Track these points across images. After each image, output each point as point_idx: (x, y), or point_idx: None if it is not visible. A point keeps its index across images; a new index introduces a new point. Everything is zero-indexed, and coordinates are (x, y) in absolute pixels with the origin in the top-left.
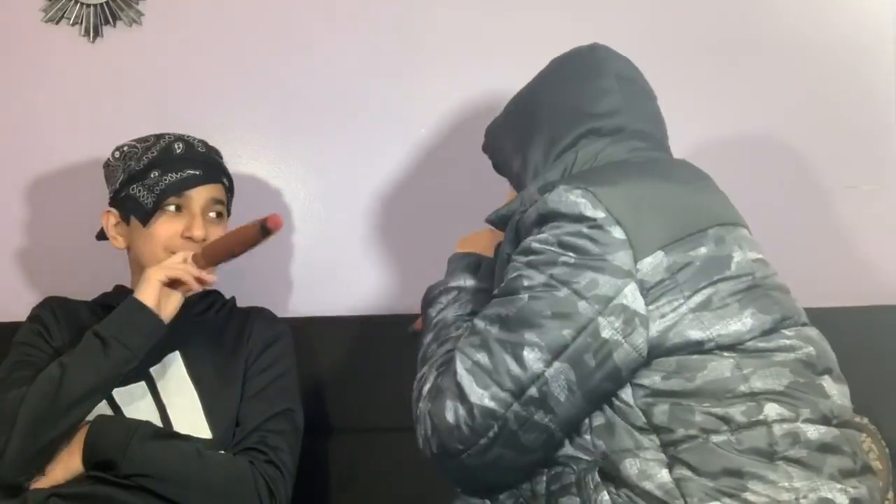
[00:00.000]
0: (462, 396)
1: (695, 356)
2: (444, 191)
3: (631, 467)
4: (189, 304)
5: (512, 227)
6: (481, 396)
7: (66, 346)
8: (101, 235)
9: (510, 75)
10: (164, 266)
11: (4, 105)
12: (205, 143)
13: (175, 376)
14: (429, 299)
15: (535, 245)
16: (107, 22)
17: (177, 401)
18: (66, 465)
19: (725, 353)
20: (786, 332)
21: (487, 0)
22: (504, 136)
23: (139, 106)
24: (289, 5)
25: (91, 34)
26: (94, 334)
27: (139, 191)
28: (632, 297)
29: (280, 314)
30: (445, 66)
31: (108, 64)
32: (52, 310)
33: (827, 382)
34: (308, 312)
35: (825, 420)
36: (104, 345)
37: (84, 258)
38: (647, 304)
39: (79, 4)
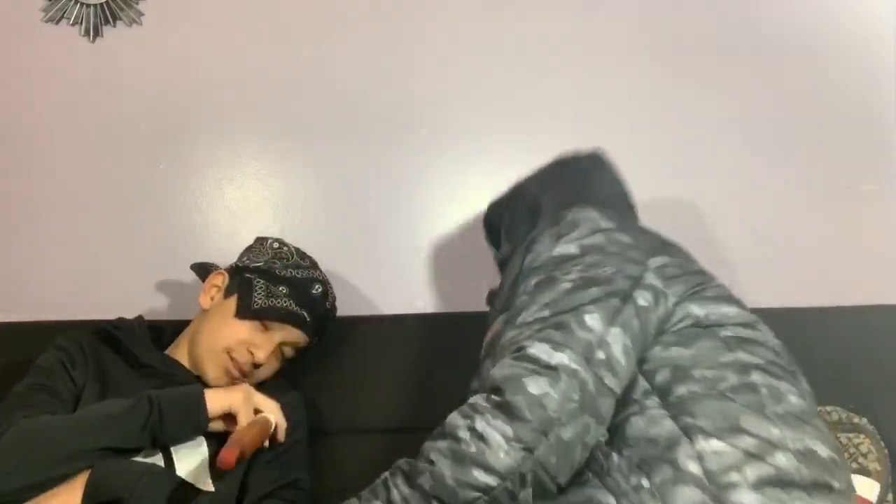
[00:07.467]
0: (543, 364)
1: (690, 329)
2: (444, 190)
3: (637, 422)
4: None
5: (524, 248)
6: (561, 358)
7: (86, 384)
8: (200, 271)
9: (512, 74)
10: (249, 399)
11: (4, 105)
12: (333, 301)
13: None
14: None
15: (560, 252)
16: (107, 22)
17: (185, 450)
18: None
19: (715, 332)
20: (758, 326)
21: (488, 0)
22: (515, 230)
23: (139, 106)
24: (289, 5)
25: (91, 34)
26: (148, 400)
27: (260, 289)
28: (652, 278)
29: None
30: (446, 65)
31: (108, 64)
32: (81, 346)
33: (798, 374)
34: None
35: (801, 396)
36: (150, 406)
37: (84, 259)
38: (663, 287)
39: (79, 4)
